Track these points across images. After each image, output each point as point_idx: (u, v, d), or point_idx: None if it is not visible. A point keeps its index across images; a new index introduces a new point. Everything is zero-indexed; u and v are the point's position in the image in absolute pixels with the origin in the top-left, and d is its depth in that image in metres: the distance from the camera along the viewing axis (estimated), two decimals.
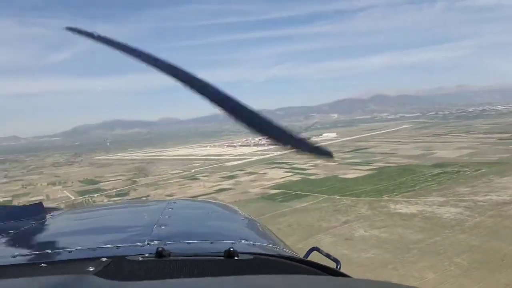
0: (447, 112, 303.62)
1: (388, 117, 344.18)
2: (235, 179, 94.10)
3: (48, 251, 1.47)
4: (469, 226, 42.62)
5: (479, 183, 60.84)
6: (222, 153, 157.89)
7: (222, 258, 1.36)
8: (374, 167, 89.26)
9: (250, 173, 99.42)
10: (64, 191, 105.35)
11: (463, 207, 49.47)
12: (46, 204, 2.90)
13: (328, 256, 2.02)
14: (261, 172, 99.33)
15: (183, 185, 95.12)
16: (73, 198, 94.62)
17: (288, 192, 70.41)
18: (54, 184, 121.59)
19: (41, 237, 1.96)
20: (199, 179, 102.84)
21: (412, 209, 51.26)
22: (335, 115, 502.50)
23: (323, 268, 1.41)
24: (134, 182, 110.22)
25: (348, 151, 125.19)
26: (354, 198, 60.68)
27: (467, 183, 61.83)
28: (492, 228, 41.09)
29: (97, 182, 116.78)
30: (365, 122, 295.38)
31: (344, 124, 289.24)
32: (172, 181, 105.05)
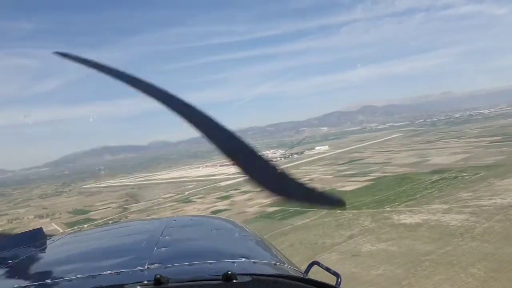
0: (435, 119, 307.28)
1: (378, 127, 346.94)
2: (230, 199, 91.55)
3: (49, 281, 1.47)
4: (479, 232, 40.86)
5: (481, 187, 59.52)
6: (215, 173, 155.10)
7: (220, 282, 1.36)
8: (371, 177, 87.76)
9: (245, 192, 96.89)
10: (52, 224, 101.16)
11: (468, 213, 47.84)
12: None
13: (328, 270, 2.04)
14: (257, 191, 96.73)
15: (177, 209, 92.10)
16: (61, 230, 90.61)
17: (286, 209, 68.04)
18: (41, 216, 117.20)
19: (41, 266, 1.97)
20: (193, 201, 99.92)
21: (416, 218, 49.44)
22: (325, 128, 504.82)
23: (322, 286, 1.42)
24: (125, 209, 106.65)
25: (343, 163, 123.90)
26: (355, 211, 58.70)
27: (468, 188, 60.48)
28: (502, 234, 39.36)
29: (86, 212, 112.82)
30: (355, 134, 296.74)
31: (334, 137, 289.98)
32: (165, 205, 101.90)
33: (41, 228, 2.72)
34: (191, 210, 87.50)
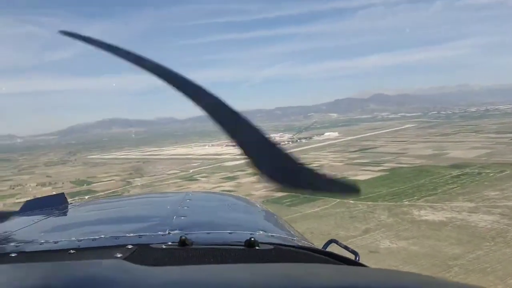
0: (450, 112, 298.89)
1: (389, 116, 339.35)
2: (236, 181, 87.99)
3: (74, 238, 1.53)
4: None
5: (508, 186, 55.02)
6: (221, 152, 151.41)
7: (243, 247, 1.38)
8: (386, 167, 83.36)
9: (252, 174, 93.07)
10: (53, 193, 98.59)
11: (498, 214, 43.62)
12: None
13: (346, 248, 2.04)
14: (260, 176, 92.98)
15: (181, 186, 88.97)
16: None
17: (295, 195, 64.15)
18: (44, 185, 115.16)
19: (66, 226, 2.03)
20: (197, 180, 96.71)
21: (439, 216, 45.37)
22: (335, 115, 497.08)
23: (342, 259, 1.43)
24: (129, 183, 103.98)
25: (354, 151, 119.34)
26: (370, 202, 54.72)
27: (495, 186, 56.00)
28: None
29: (89, 183, 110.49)
30: (366, 122, 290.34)
31: (344, 124, 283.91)
32: (169, 182, 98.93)
33: (63, 193, 2.72)
34: (195, 188, 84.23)
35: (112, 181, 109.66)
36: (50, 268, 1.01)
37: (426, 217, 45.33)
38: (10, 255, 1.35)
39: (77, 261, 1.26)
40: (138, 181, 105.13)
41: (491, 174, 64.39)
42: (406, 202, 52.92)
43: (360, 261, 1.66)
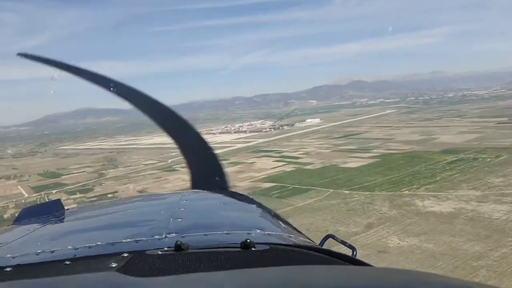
0: (428, 97, 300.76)
1: (368, 102, 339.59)
2: None
3: (70, 247, 1.52)
4: None
5: (510, 172, 51.78)
6: None
7: (239, 249, 1.37)
8: (375, 154, 79.47)
9: (235, 163, 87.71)
10: (18, 187, 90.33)
11: (510, 203, 39.94)
12: None
13: (343, 243, 2.03)
14: (248, 162, 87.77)
15: (159, 178, 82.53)
16: (26, 195, 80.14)
17: (284, 186, 59.37)
18: (8, 178, 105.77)
19: (62, 234, 2.03)
20: (177, 170, 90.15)
21: (446, 206, 41.36)
22: (314, 101, 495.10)
23: (339, 256, 1.42)
24: (101, 174, 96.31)
25: (339, 137, 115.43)
26: (367, 192, 50.35)
27: (496, 172, 52.69)
28: None
29: (58, 175, 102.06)
30: (345, 108, 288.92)
31: (324, 110, 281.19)
32: (145, 173, 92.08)
33: (59, 199, 2.73)
34: (175, 179, 77.94)
35: (83, 173, 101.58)
36: (44, 285, 1.00)
37: (432, 208, 41.22)
38: (5, 269, 1.33)
39: (71, 275, 1.23)
40: (112, 173, 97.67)
41: (488, 159, 61.32)
42: (406, 192, 48.81)
43: (357, 257, 1.64)
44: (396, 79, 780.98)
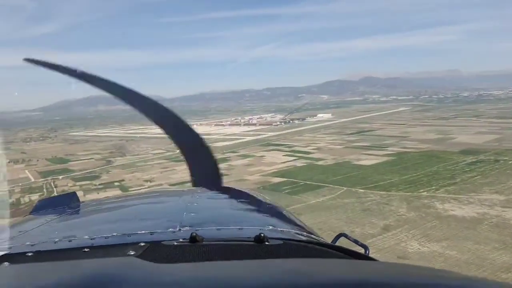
0: (442, 96, 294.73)
1: (381, 99, 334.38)
2: (227, 163, 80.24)
3: (88, 237, 1.58)
4: None
5: None
6: (210, 132, 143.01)
7: (252, 243, 1.40)
8: (390, 152, 76.81)
9: (244, 156, 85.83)
10: (25, 171, 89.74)
11: None
12: None
13: (356, 242, 2.02)
14: (258, 155, 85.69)
15: (166, 168, 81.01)
16: (33, 179, 79.47)
17: (295, 182, 57.28)
18: (17, 162, 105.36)
19: (79, 225, 2.10)
20: (184, 161, 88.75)
21: (468, 211, 38.93)
22: (325, 96, 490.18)
23: (352, 253, 1.44)
24: (109, 162, 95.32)
25: (352, 133, 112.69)
26: (383, 192, 48.05)
27: None
28: None
29: (66, 161, 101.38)
30: (357, 104, 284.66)
31: (335, 105, 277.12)
32: (153, 162, 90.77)
33: (74, 192, 2.81)
34: (182, 170, 76.36)
35: (91, 160, 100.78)
36: (65, 267, 1.04)
37: (453, 212, 38.84)
38: (26, 254, 1.40)
39: (90, 259, 1.29)
40: (119, 160, 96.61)
41: (510, 162, 58.42)
42: (425, 193, 46.38)
43: (370, 255, 1.64)
44: (408, 76, 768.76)
